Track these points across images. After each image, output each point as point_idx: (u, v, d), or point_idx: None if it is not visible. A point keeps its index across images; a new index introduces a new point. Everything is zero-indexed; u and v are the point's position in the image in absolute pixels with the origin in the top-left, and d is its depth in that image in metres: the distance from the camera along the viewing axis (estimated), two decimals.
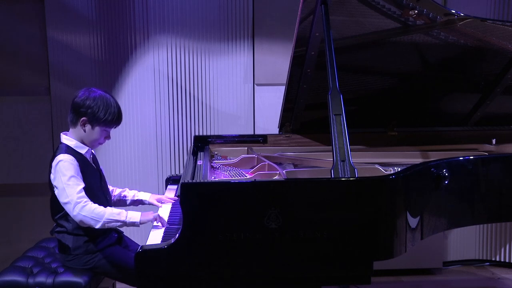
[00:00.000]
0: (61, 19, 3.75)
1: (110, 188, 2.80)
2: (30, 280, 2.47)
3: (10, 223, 3.92)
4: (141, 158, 3.89)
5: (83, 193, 2.40)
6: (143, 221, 2.46)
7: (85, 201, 2.39)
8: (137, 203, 2.86)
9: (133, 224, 2.44)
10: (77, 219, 2.40)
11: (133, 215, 2.44)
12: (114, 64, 3.82)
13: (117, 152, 3.86)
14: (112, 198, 2.79)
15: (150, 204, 2.84)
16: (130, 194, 2.84)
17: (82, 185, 2.42)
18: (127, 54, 3.81)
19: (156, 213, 2.52)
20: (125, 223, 2.43)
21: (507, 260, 4.09)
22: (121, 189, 2.86)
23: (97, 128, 2.51)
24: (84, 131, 2.51)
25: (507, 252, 4.08)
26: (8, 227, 3.92)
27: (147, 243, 2.22)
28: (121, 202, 2.84)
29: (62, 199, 2.41)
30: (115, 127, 2.60)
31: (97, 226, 2.39)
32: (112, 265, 2.53)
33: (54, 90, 3.81)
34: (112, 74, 3.82)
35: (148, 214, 2.48)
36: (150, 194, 2.86)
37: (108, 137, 2.59)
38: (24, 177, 3.90)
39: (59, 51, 3.77)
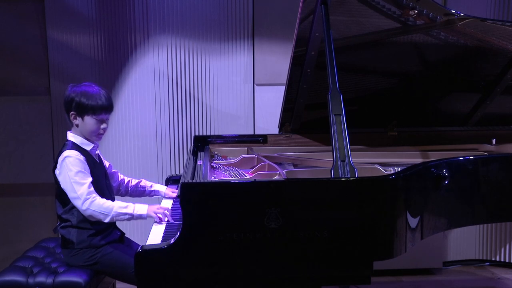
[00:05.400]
0: (61, 19, 3.75)
1: (126, 179, 2.89)
2: (30, 280, 2.47)
3: (10, 223, 3.93)
4: (141, 158, 3.89)
5: (92, 188, 2.46)
6: (150, 215, 2.50)
7: (94, 196, 2.45)
8: (153, 194, 2.93)
9: (140, 216, 2.49)
10: (86, 214, 2.46)
11: (140, 208, 2.49)
12: (114, 64, 3.82)
13: (117, 152, 3.86)
14: (129, 189, 2.88)
15: (166, 195, 2.91)
16: (148, 185, 2.91)
17: (90, 179, 2.47)
18: (127, 54, 3.81)
19: (164, 210, 2.54)
20: (132, 216, 2.48)
21: (507, 260, 4.09)
22: (137, 180, 2.92)
23: (87, 118, 2.52)
24: (77, 125, 2.55)
25: (507, 252, 4.08)
26: (8, 227, 3.93)
27: (147, 243, 2.22)
28: (137, 192, 2.92)
29: (70, 194, 2.46)
30: (106, 113, 2.56)
31: (106, 220, 2.46)
32: (113, 263, 2.54)
33: (54, 90, 3.81)
34: (112, 74, 3.82)
35: (155, 209, 2.50)
36: (166, 186, 2.95)
37: (104, 125, 2.57)
38: (24, 177, 3.91)
39: (59, 51, 3.78)
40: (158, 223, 2.50)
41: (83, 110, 2.51)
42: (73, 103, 2.51)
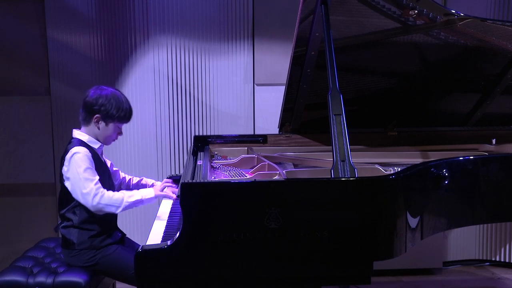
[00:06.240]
0: (61, 19, 3.75)
1: (127, 177, 2.94)
2: (30, 280, 2.47)
3: (10, 223, 3.93)
4: (141, 158, 3.89)
5: (99, 184, 2.49)
6: (158, 196, 2.63)
7: (102, 191, 2.48)
8: None
9: (149, 200, 2.59)
10: (97, 208, 2.47)
11: (147, 192, 2.60)
12: (114, 64, 3.82)
13: (117, 152, 3.86)
14: (130, 187, 2.94)
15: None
16: (149, 183, 2.98)
17: (97, 177, 2.50)
18: (127, 54, 3.81)
19: (166, 185, 2.68)
20: (142, 201, 2.56)
21: (507, 260, 4.09)
22: (138, 178, 2.98)
23: (110, 125, 2.60)
24: (98, 128, 2.59)
25: (507, 252, 4.09)
26: (8, 227, 3.93)
27: (147, 243, 2.23)
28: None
29: (80, 190, 2.46)
30: (127, 123, 2.68)
31: (118, 211, 2.51)
32: (113, 264, 2.55)
33: (54, 90, 3.81)
34: (112, 74, 3.82)
35: (160, 189, 2.65)
36: None
37: (120, 133, 2.69)
38: (24, 177, 3.91)
39: (59, 51, 3.78)
40: (170, 198, 2.65)
41: (110, 117, 2.58)
42: (101, 108, 2.55)
